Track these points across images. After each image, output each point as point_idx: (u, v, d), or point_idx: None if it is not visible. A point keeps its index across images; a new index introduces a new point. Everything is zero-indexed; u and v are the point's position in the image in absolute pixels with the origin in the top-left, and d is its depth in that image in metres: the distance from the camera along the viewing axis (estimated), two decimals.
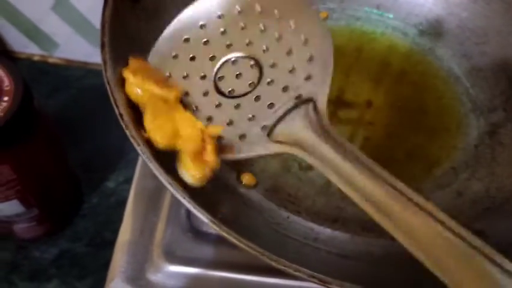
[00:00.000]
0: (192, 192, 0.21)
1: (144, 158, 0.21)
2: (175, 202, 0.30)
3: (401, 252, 0.25)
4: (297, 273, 0.19)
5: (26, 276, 0.39)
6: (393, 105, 0.32)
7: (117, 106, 0.22)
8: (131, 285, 0.27)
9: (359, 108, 0.32)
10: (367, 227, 0.27)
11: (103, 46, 0.23)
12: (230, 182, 0.27)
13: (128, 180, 0.44)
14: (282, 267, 0.19)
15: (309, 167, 0.29)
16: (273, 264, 0.19)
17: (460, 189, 0.29)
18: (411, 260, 0.25)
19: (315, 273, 0.18)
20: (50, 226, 0.40)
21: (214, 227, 0.20)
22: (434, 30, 0.35)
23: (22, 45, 0.49)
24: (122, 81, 0.23)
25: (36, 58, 0.50)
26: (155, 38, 0.28)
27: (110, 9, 0.24)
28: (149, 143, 0.21)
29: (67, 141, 0.38)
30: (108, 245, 0.41)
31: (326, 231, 0.26)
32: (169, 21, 0.29)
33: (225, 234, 0.20)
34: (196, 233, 0.29)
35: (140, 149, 0.21)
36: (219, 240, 0.29)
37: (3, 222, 0.37)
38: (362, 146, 0.30)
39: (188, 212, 0.29)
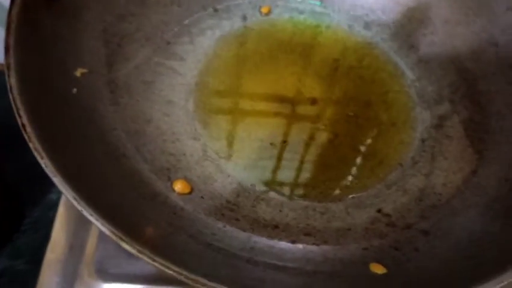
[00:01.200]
0: (109, 210, 0.19)
1: (47, 171, 0.19)
2: None
3: (340, 258, 0.24)
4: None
5: None
6: (339, 101, 0.31)
7: (20, 116, 0.19)
8: None
9: (303, 106, 0.31)
10: (308, 231, 0.25)
11: (7, 49, 0.21)
12: (161, 191, 0.25)
13: None
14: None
15: (255, 173, 0.27)
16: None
17: (407, 186, 0.28)
18: (352, 267, 0.24)
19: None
20: None
21: (133, 251, 0.18)
22: (380, 21, 0.34)
23: None
24: (26, 88, 0.20)
25: None
26: (76, 40, 0.26)
27: (18, 6, 0.22)
28: (54, 157, 0.19)
29: (4, 153, 0.36)
30: None
31: (263, 240, 0.24)
32: (92, 22, 0.27)
33: (148, 260, 0.18)
34: None
35: (44, 162, 0.19)
36: None
37: None
38: (307, 145, 0.29)
39: None
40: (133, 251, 0.18)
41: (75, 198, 0.18)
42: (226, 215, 0.25)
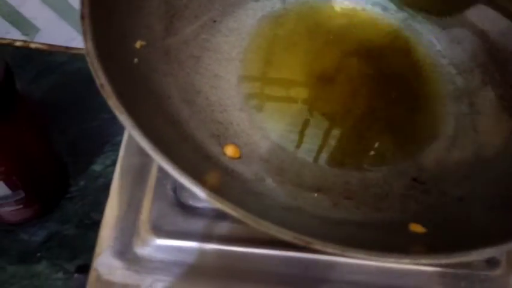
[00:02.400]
0: (176, 162, 0.21)
1: (127, 125, 0.21)
2: (161, 178, 0.30)
3: (380, 219, 0.26)
4: (279, 234, 0.19)
5: (15, 260, 0.39)
6: (375, 78, 0.33)
7: (98, 77, 0.22)
8: (118, 259, 0.27)
9: (340, 82, 0.32)
10: (348, 195, 0.28)
11: (82, 18, 0.23)
12: (213, 154, 0.27)
13: (115, 163, 0.44)
14: (265, 229, 0.20)
15: (297, 141, 0.30)
16: (255, 225, 0.20)
17: (440, 157, 0.29)
18: (392, 226, 0.26)
19: (298, 235, 0.19)
20: (38, 209, 0.40)
21: (202, 194, 0.20)
22: (413, 3, 0.35)
23: (4, 30, 0.49)
24: (102, 52, 0.23)
25: (18, 44, 0.50)
26: (135, 15, 0.28)
27: None
28: (131, 113, 0.21)
29: (53, 126, 0.39)
30: (97, 226, 0.41)
31: (308, 201, 0.27)
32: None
33: (212, 200, 0.20)
34: (183, 207, 0.29)
35: (123, 117, 0.21)
36: (205, 213, 0.29)
37: None
38: (344, 117, 0.31)
39: (175, 187, 0.30)
40: (203, 194, 0.20)
41: (154, 151, 0.20)
42: (273, 178, 0.27)
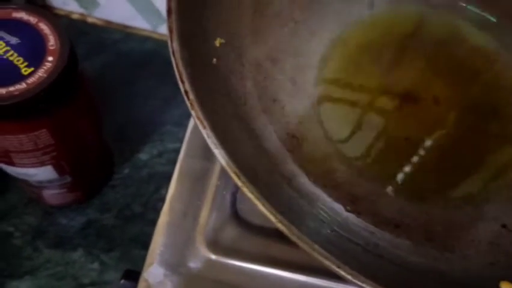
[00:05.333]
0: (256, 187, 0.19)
1: (210, 143, 0.18)
2: (221, 187, 0.28)
3: (466, 269, 0.24)
4: (364, 285, 0.17)
5: (52, 243, 0.38)
6: (464, 105, 0.30)
7: (182, 82, 0.19)
8: (170, 272, 0.25)
9: (425, 104, 0.29)
10: (430, 237, 0.25)
11: (169, 12, 0.21)
12: (285, 173, 0.25)
13: (162, 154, 0.43)
14: (348, 276, 0.17)
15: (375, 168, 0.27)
16: (338, 270, 0.17)
17: None
18: (479, 280, 0.23)
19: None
20: (80, 194, 0.38)
21: (281, 226, 0.18)
22: None
23: (62, 1, 0.47)
24: (186, 52, 0.20)
25: (75, 16, 0.48)
26: (217, 10, 0.26)
27: None
28: (212, 125, 0.19)
29: (101, 108, 0.36)
30: (137, 218, 0.40)
31: (387, 237, 0.24)
32: None
33: (285, 230, 0.18)
34: (241, 222, 0.27)
35: (206, 132, 0.19)
36: (264, 232, 0.27)
37: (34, 187, 0.36)
38: (429, 147, 0.28)
39: (234, 199, 0.27)
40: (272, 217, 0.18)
41: (236, 174, 0.18)
42: (349, 206, 0.25)
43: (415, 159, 0.27)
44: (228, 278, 0.26)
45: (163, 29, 0.48)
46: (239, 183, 0.18)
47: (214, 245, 0.26)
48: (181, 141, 0.42)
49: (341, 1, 0.32)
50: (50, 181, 0.34)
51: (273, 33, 0.29)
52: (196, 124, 0.22)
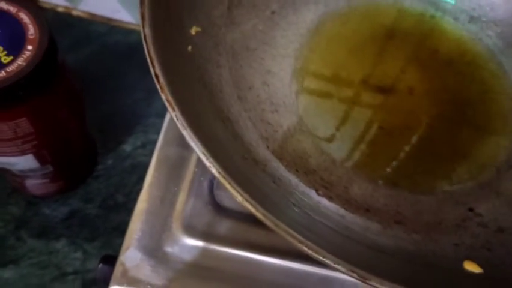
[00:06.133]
0: (224, 167, 0.19)
1: (179, 124, 0.19)
2: (199, 173, 0.28)
3: (431, 250, 0.24)
4: (336, 266, 0.17)
5: (35, 233, 0.38)
6: (437, 94, 0.30)
7: (153, 66, 0.20)
8: (147, 256, 0.26)
9: (400, 94, 0.30)
10: (399, 220, 0.25)
11: (142, 1, 0.21)
12: (260, 158, 0.25)
13: (146, 145, 0.43)
14: (321, 258, 0.18)
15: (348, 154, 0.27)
16: (310, 252, 0.18)
17: (501, 189, 0.27)
18: (445, 261, 0.24)
19: (355, 268, 0.17)
20: (63, 184, 0.38)
21: (247, 204, 0.18)
22: (487, 17, 0.33)
23: None
24: (159, 39, 0.21)
25: (60, 9, 0.48)
26: None
27: None
28: (184, 109, 0.20)
29: (85, 99, 0.37)
30: (120, 208, 0.40)
31: (357, 221, 0.25)
32: None
33: (254, 211, 0.19)
34: (218, 207, 0.27)
35: (175, 114, 0.19)
36: (241, 217, 0.27)
37: (16, 177, 0.36)
38: (402, 134, 0.28)
39: (211, 185, 0.28)
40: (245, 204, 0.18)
41: (204, 154, 0.18)
42: (320, 191, 0.25)
43: (389, 147, 0.28)
44: (204, 261, 0.26)
45: None
46: (207, 164, 0.18)
47: (191, 229, 0.27)
48: None
49: None
50: (32, 170, 0.34)
51: (249, 22, 0.30)
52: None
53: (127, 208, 0.40)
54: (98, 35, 0.48)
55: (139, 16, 0.21)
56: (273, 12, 0.31)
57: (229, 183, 0.18)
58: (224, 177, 0.18)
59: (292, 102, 0.28)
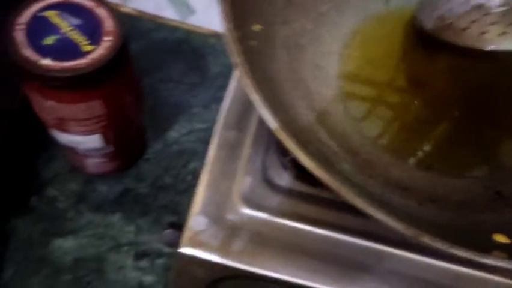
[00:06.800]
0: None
1: (257, 105, 0.23)
2: (253, 154, 0.32)
3: (462, 224, 0.28)
4: (389, 223, 0.21)
5: (92, 207, 0.42)
6: (468, 95, 0.34)
7: (234, 56, 0.23)
8: (211, 222, 0.29)
9: (433, 91, 0.34)
10: (433, 198, 0.29)
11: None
12: (311, 139, 0.29)
13: (191, 132, 0.47)
14: (373, 213, 0.21)
15: (388, 140, 0.31)
16: (360, 205, 0.21)
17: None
18: (474, 233, 0.27)
19: (410, 226, 0.20)
20: (119, 164, 0.42)
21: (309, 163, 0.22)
22: None
23: None
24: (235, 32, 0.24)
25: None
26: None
27: None
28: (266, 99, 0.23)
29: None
30: (168, 188, 0.44)
31: (396, 196, 0.28)
32: None
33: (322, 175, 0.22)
34: (270, 184, 0.31)
35: (254, 96, 0.23)
36: (290, 193, 0.31)
37: (78, 155, 0.40)
38: (435, 124, 0.32)
39: (264, 165, 0.32)
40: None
41: (279, 131, 0.22)
42: (363, 170, 0.29)
43: (426, 135, 0.32)
44: (259, 229, 0.30)
45: (191, 20, 0.52)
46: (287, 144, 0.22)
47: (248, 201, 0.30)
48: (207, 122, 0.47)
49: None
50: (95, 149, 0.38)
51: (301, 22, 0.33)
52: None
53: (175, 189, 0.44)
54: (145, 31, 0.52)
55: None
56: (321, 14, 0.34)
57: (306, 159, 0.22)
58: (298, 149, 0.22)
59: (337, 93, 0.32)
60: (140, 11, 0.52)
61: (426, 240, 0.21)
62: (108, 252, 0.40)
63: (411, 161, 0.30)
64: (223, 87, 0.52)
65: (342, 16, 0.35)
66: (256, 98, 0.23)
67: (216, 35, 0.51)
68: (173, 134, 0.46)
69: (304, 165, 0.22)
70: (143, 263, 0.40)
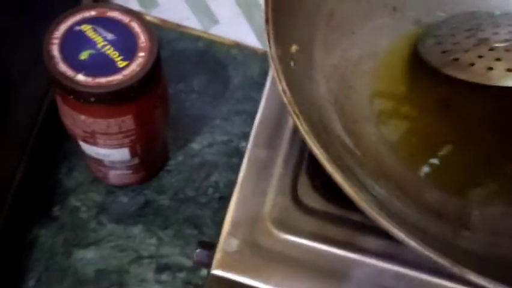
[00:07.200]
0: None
1: (302, 132, 0.23)
2: (284, 174, 0.32)
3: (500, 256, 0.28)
4: (434, 257, 0.21)
5: (114, 219, 0.42)
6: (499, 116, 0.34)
7: (280, 82, 0.23)
8: (242, 243, 0.29)
9: (466, 112, 0.33)
10: (466, 226, 0.29)
11: (267, 21, 0.25)
12: (346, 163, 0.29)
13: (212, 145, 0.47)
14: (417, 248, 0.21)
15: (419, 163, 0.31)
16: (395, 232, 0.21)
17: None
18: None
19: (456, 264, 0.20)
20: (142, 176, 0.42)
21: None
22: None
23: (122, 0, 0.51)
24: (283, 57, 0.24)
25: None
26: (293, 19, 0.30)
27: None
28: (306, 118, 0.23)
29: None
30: (189, 201, 0.44)
31: (431, 223, 0.28)
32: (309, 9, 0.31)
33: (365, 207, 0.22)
34: (301, 205, 0.31)
35: (299, 122, 0.23)
36: (320, 215, 0.31)
37: (102, 167, 0.40)
38: (467, 147, 0.32)
39: (295, 185, 0.32)
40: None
41: (328, 161, 0.22)
42: (395, 195, 0.29)
43: (459, 158, 0.32)
44: (289, 252, 0.30)
45: (214, 30, 0.52)
46: (330, 169, 0.22)
47: (279, 223, 0.30)
48: (229, 134, 0.47)
49: (390, 18, 0.36)
50: (122, 162, 0.38)
51: (334, 42, 0.33)
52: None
53: (196, 201, 0.43)
54: (168, 40, 0.52)
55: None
56: (353, 33, 0.34)
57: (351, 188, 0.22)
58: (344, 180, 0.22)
59: (370, 115, 0.32)
60: (163, 20, 0.52)
61: (472, 277, 0.20)
62: (130, 265, 0.40)
63: (443, 185, 0.30)
64: (244, 99, 0.52)
65: (374, 35, 0.35)
66: (300, 124, 0.23)
67: (238, 46, 0.51)
68: (194, 145, 0.46)
69: (348, 195, 0.22)
70: (164, 276, 0.40)
